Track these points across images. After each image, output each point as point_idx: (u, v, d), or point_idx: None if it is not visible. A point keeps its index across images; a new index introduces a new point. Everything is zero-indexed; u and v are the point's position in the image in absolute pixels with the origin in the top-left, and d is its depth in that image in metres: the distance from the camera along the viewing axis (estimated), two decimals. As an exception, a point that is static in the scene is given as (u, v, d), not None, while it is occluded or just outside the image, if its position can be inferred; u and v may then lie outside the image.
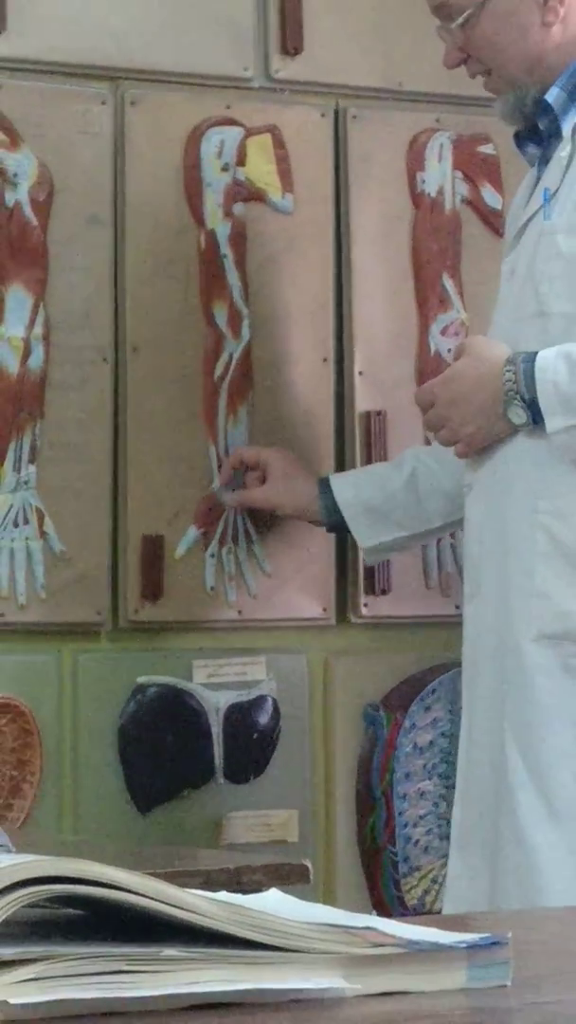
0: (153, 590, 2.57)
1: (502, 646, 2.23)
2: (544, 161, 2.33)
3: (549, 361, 2.19)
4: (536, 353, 2.21)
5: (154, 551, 2.57)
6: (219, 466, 2.63)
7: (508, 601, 2.22)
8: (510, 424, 2.23)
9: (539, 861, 2.16)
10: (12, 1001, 0.93)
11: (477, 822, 2.24)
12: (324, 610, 2.68)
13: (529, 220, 2.30)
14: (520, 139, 2.37)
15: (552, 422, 2.19)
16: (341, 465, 2.71)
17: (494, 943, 1.02)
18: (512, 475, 2.25)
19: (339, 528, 2.56)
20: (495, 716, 2.23)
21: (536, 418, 2.21)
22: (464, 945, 1.02)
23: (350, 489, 2.54)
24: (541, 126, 2.32)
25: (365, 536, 2.53)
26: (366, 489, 2.53)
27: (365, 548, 2.55)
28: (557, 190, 2.26)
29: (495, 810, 2.21)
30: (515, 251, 2.32)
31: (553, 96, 2.29)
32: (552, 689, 2.19)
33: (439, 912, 2.57)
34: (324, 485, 2.55)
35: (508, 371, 2.21)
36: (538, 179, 2.33)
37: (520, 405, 2.21)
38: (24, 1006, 0.93)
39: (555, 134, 2.31)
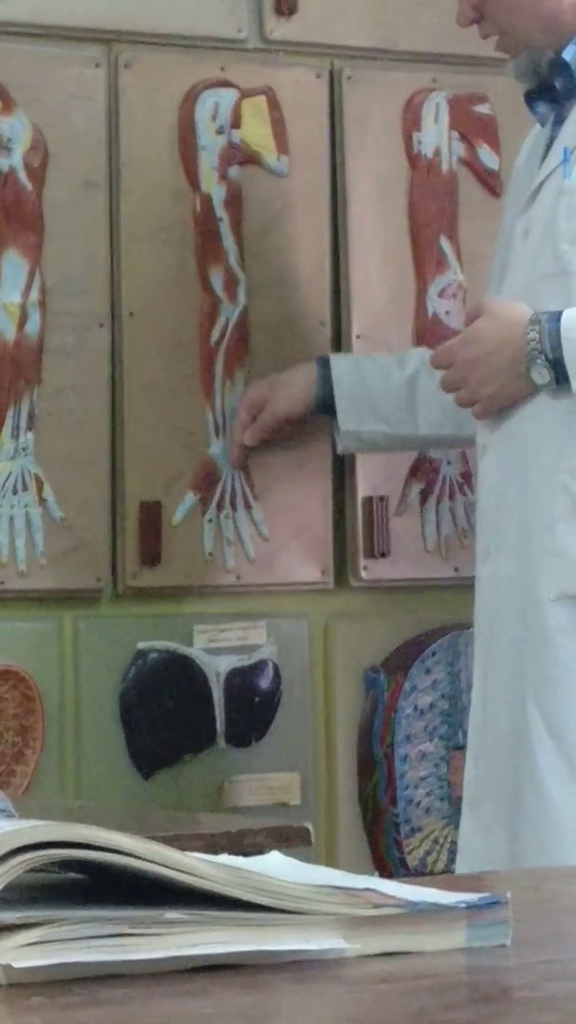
0: (151, 556, 2.57)
1: (522, 606, 2.22)
2: (559, 120, 2.31)
3: (575, 320, 2.19)
4: (560, 312, 2.20)
5: (152, 517, 2.57)
6: (216, 431, 2.63)
7: (528, 561, 2.22)
8: (532, 384, 2.22)
9: (559, 819, 2.17)
10: (15, 965, 0.93)
11: (492, 780, 2.24)
12: (323, 574, 2.68)
13: (546, 179, 2.28)
14: (530, 98, 2.35)
15: None
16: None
17: (493, 903, 1.03)
18: (532, 435, 2.24)
19: (328, 407, 2.56)
20: (514, 675, 2.23)
21: (560, 378, 2.21)
22: (463, 905, 1.02)
23: (349, 369, 2.55)
24: (557, 85, 2.30)
25: (346, 419, 2.54)
26: (364, 374, 2.54)
27: (342, 431, 2.55)
28: None
29: (513, 768, 2.21)
30: (530, 210, 2.30)
31: (571, 54, 2.27)
32: (573, 648, 2.19)
33: (441, 873, 2.58)
34: (323, 363, 2.56)
35: (532, 330, 2.20)
36: (551, 138, 2.31)
37: (544, 365, 2.20)
38: (27, 970, 0.93)
39: (571, 92, 2.29)
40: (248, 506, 2.64)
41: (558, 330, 2.19)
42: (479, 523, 2.36)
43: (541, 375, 2.21)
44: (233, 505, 2.63)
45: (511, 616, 2.24)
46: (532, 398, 2.24)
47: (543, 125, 2.36)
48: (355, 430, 2.54)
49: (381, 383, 2.52)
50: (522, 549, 2.23)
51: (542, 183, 2.29)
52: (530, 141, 2.41)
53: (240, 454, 2.60)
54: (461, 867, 2.28)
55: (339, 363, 2.56)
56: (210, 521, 2.61)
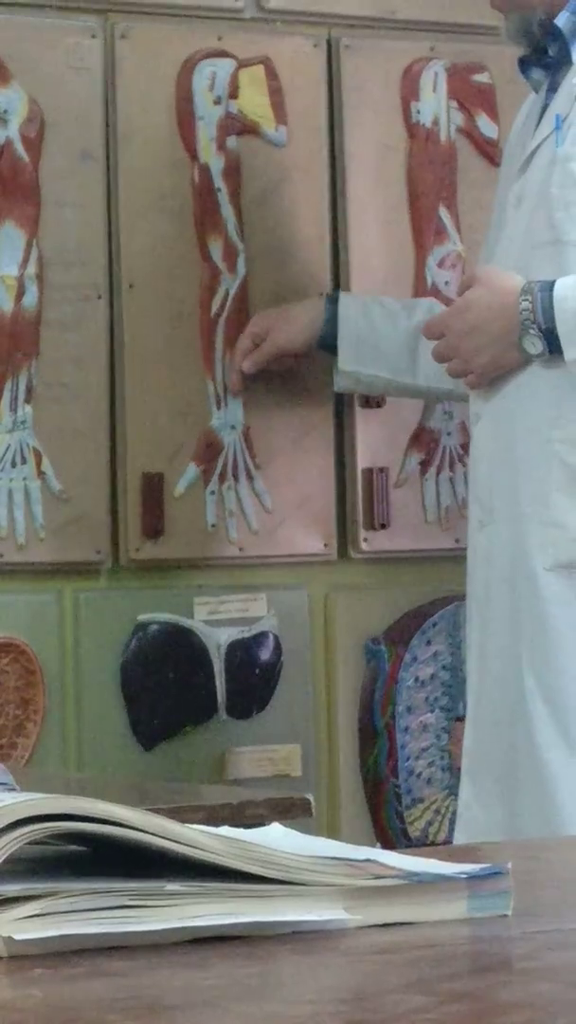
0: (154, 528, 2.57)
1: (516, 575, 2.22)
2: (552, 88, 2.30)
3: (568, 289, 2.18)
4: (553, 281, 2.19)
5: (154, 489, 2.57)
6: (217, 402, 2.63)
7: (522, 530, 2.22)
8: (524, 354, 2.22)
9: (557, 790, 2.17)
10: (16, 937, 0.93)
11: (490, 750, 2.25)
12: (325, 545, 2.68)
13: (538, 147, 2.27)
14: (524, 64, 2.34)
15: (571, 351, 2.18)
16: (340, 402, 2.70)
17: (494, 873, 1.03)
18: (525, 405, 2.24)
19: (328, 344, 2.55)
20: (509, 645, 2.23)
21: (552, 348, 2.20)
22: (464, 876, 1.02)
23: (356, 310, 2.54)
24: (551, 52, 2.29)
25: (346, 358, 2.52)
26: (371, 317, 2.52)
27: (341, 371, 2.54)
28: (568, 116, 2.24)
29: (510, 738, 2.21)
30: (523, 178, 2.29)
31: (563, 21, 2.26)
32: (568, 618, 2.19)
33: (442, 843, 2.58)
34: (333, 299, 2.56)
35: (524, 300, 2.20)
36: (545, 105, 2.30)
37: (536, 334, 2.20)
38: (28, 942, 0.93)
39: (565, 60, 2.28)
40: (250, 477, 2.64)
41: (551, 300, 2.18)
42: (471, 492, 2.36)
43: (534, 345, 2.21)
44: (235, 476, 2.63)
45: (505, 585, 2.24)
46: (525, 368, 2.24)
47: (536, 92, 2.34)
48: (354, 371, 2.53)
49: (386, 328, 2.51)
50: (516, 518, 2.23)
51: (534, 151, 2.28)
52: (525, 109, 2.40)
53: (238, 380, 2.60)
54: (459, 836, 2.29)
55: (347, 302, 2.55)
56: (212, 493, 2.61)
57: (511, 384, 2.26)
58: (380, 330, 2.51)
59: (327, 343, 2.55)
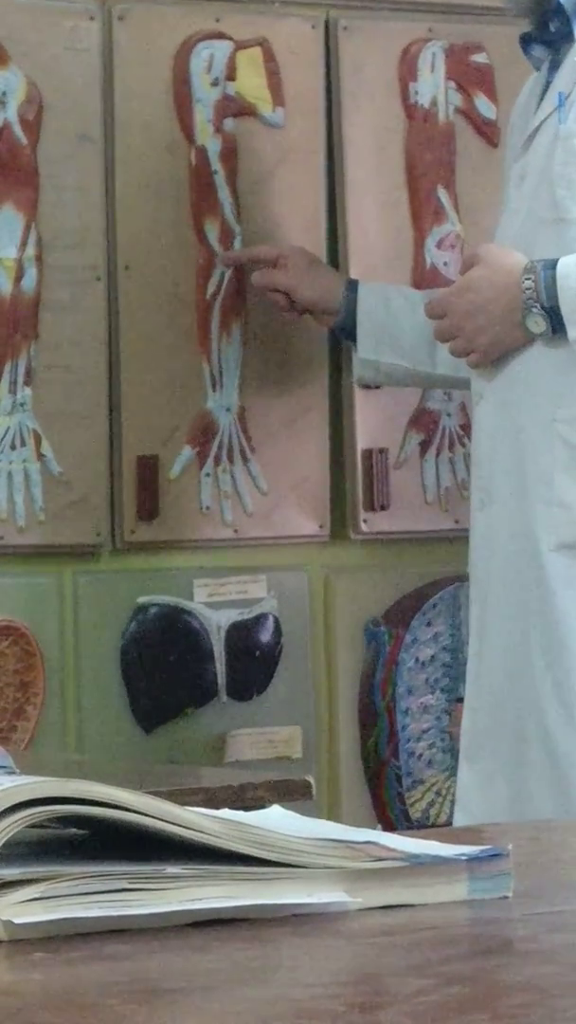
0: (148, 510, 2.57)
1: (520, 556, 2.22)
2: (554, 65, 2.29)
3: (570, 268, 2.17)
4: (556, 260, 2.19)
5: (149, 471, 2.57)
6: (212, 384, 2.62)
7: (526, 511, 2.22)
8: (527, 333, 2.21)
9: (568, 770, 2.17)
10: (16, 920, 0.93)
11: (491, 731, 2.25)
12: (320, 527, 2.68)
13: (541, 124, 2.27)
14: (526, 42, 2.33)
15: (574, 330, 2.17)
16: (337, 384, 2.70)
17: (495, 855, 1.03)
18: (528, 385, 2.23)
19: (346, 332, 2.54)
20: (514, 626, 2.22)
21: (555, 327, 2.19)
22: (465, 858, 1.02)
23: (376, 299, 2.51)
24: (552, 28, 2.28)
25: (366, 347, 2.50)
26: (391, 306, 2.50)
27: (360, 359, 2.52)
28: (571, 94, 2.23)
29: (516, 719, 2.21)
30: (525, 156, 2.28)
31: None
32: (573, 597, 2.19)
33: (443, 825, 2.59)
34: (352, 286, 2.53)
35: (527, 279, 2.19)
36: (547, 83, 2.30)
37: (539, 313, 2.19)
38: (28, 925, 0.93)
39: (566, 37, 2.27)
40: (245, 459, 2.63)
41: (554, 278, 2.18)
42: (474, 472, 2.35)
43: (536, 324, 2.20)
44: (230, 459, 2.62)
45: (508, 565, 2.24)
46: (528, 347, 2.23)
47: (538, 70, 2.34)
48: (373, 360, 2.51)
49: (405, 317, 2.49)
50: (519, 498, 2.23)
51: (537, 129, 2.27)
52: (527, 87, 2.39)
53: (237, 256, 2.58)
54: (460, 819, 2.29)
55: (366, 290, 2.53)
56: (207, 475, 2.61)
57: (514, 363, 2.25)
58: (398, 319, 2.50)
59: (346, 331, 2.54)
